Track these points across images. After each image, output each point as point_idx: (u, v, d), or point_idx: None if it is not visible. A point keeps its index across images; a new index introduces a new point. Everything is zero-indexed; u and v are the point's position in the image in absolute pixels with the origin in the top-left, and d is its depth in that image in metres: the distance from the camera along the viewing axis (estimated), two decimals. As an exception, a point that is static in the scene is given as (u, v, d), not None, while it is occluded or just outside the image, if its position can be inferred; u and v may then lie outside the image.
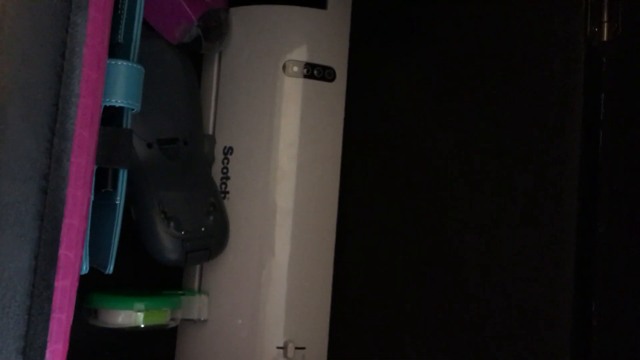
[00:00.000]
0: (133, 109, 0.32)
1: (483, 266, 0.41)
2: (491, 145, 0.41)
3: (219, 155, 0.47)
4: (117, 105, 0.31)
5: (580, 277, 0.35)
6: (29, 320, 0.15)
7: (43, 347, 0.16)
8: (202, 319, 0.46)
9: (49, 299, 0.16)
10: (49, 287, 0.16)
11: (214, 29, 0.46)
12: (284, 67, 0.46)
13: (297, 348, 0.45)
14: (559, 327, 0.36)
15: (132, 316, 0.40)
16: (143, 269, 0.47)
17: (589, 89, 0.33)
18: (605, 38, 0.33)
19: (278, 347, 0.45)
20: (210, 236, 0.44)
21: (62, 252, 0.21)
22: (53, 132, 0.16)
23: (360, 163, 0.49)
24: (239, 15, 0.48)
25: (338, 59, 0.48)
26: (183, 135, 0.45)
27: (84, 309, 0.42)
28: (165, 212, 0.42)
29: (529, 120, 0.38)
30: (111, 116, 0.32)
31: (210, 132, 0.48)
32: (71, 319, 0.24)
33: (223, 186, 0.47)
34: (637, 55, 0.34)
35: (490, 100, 0.40)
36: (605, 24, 0.32)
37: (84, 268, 0.29)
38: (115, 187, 0.31)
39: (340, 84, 0.48)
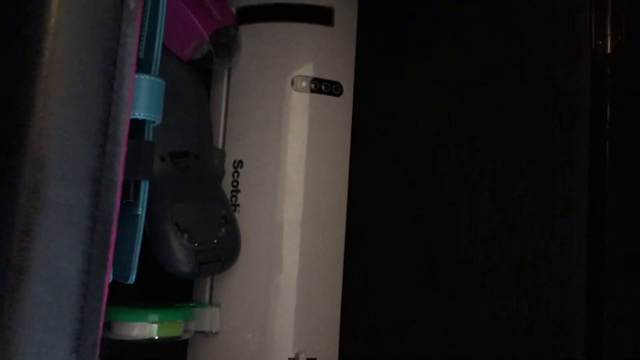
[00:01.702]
0: (154, 122, 0.33)
1: (494, 271, 0.41)
2: (500, 158, 0.42)
3: (229, 168, 0.48)
4: (140, 117, 0.31)
5: (592, 277, 0.36)
6: (82, 319, 0.16)
7: (94, 346, 0.16)
8: (214, 331, 0.46)
9: (101, 299, 0.17)
10: (101, 288, 0.17)
11: (223, 46, 0.47)
12: (292, 82, 0.47)
13: (308, 359, 0.46)
14: (572, 328, 0.36)
15: (147, 328, 0.41)
16: (151, 283, 0.48)
17: (594, 100, 0.35)
18: (609, 50, 0.34)
19: (290, 359, 0.46)
20: (223, 248, 0.44)
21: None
22: (106, 138, 0.17)
23: (367, 174, 0.50)
24: (247, 32, 0.49)
25: (345, 74, 0.49)
26: (194, 149, 0.46)
27: (97, 322, 0.43)
28: (179, 224, 0.43)
29: (537, 132, 0.39)
30: (132, 129, 0.33)
31: (220, 146, 0.49)
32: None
33: (233, 199, 0.48)
34: (639, 66, 0.35)
35: (499, 112, 0.41)
36: (609, 37, 0.34)
37: (132, 278, 0.30)
38: (137, 198, 0.32)
39: (347, 97, 0.49)
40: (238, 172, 0.48)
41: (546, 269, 0.37)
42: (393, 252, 0.48)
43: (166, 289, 0.48)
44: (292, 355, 0.46)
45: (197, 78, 0.47)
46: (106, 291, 0.17)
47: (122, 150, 0.17)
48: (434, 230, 0.45)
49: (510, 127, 0.41)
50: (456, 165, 0.45)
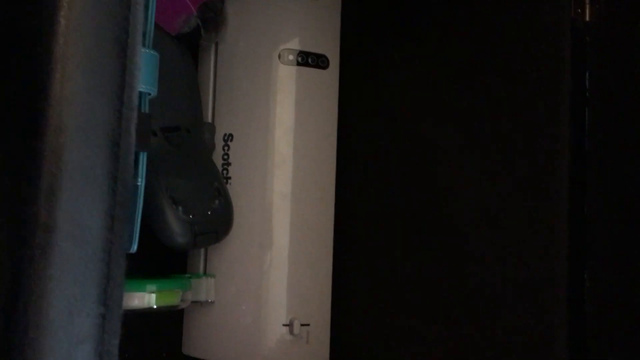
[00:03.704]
0: (150, 94, 0.34)
1: (483, 241, 0.43)
2: (486, 125, 0.43)
3: (219, 142, 0.49)
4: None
5: (574, 243, 0.38)
6: (108, 274, 0.17)
7: (120, 299, 0.18)
8: (210, 300, 0.48)
9: (124, 256, 0.18)
10: (124, 245, 0.18)
11: (210, 20, 0.48)
12: (279, 55, 0.48)
13: (301, 325, 0.47)
14: (555, 292, 0.38)
15: (146, 298, 0.42)
16: (146, 257, 0.48)
17: (575, 67, 0.36)
18: (587, 18, 0.35)
19: (284, 325, 0.47)
20: (217, 219, 0.45)
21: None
22: (122, 103, 0.18)
23: (355, 145, 0.51)
24: (234, 6, 0.49)
25: (330, 47, 0.50)
26: (185, 123, 0.46)
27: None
28: (173, 197, 0.43)
29: (519, 100, 0.40)
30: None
31: (210, 120, 0.50)
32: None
33: (225, 172, 0.49)
34: (616, 33, 0.37)
35: (483, 80, 0.43)
36: (587, 5, 0.35)
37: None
38: (136, 169, 0.33)
39: (333, 70, 0.50)
40: (228, 146, 0.49)
41: (530, 237, 0.39)
42: (383, 221, 0.49)
43: (160, 262, 0.49)
44: (286, 322, 0.47)
45: (185, 52, 0.48)
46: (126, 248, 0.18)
47: (135, 115, 0.18)
48: (423, 197, 0.47)
49: (494, 95, 0.42)
50: (442, 133, 0.46)
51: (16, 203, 0.16)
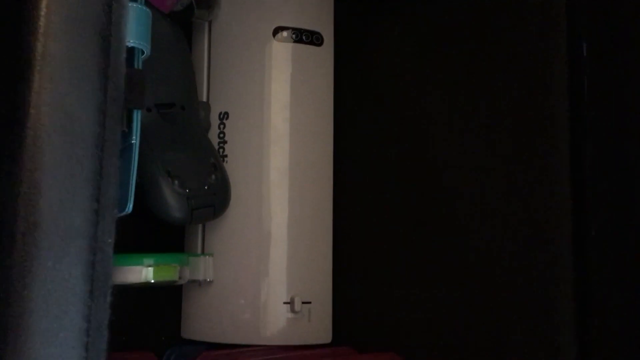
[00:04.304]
0: (143, 52, 0.33)
1: (477, 210, 0.42)
2: (479, 100, 0.43)
3: (215, 120, 0.49)
4: (129, 45, 0.32)
5: (576, 210, 0.37)
6: (100, 172, 0.16)
7: (114, 198, 0.17)
8: (208, 279, 0.47)
9: (116, 156, 0.17)
10: (116, 145, 0.17)
11: (204, -2, 0.48)
12: (273, 33, 0.48)
13: (303, 302, 0.46)
14: (558, 264, 0.38)
15: (143, 272, 0.41)
16: (143, 237, 0.47)
17: (570, 38, 0.36)
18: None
19: (285, 303, 0.46)
20: (214, 194, 0.44)
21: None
22: (108, 55, 0.17)
23: (352, 120, 0.51)
24: (227, -15, 0.49)
25: (324, 24, 0.50)
26: (180, 100, 0.46)
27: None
28: (169, 171, 0.43)
29: (516, 77, 0.40)
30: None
31: (205, 99, 0.49)
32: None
33: (221, 150, 0.48)
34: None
35: (477, 50, 0.42)
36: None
37: (129, 207, 0.30)
38: (130, 127, 0.32)
39: (328, 47, 0.50)
40: (224, 124, 0.48)
41: (530, 213, 0.38)
42: (382, 196, 0.48)
43: (157, 243, 0.49)
44: (287, 300, 0.46)
45: (178, 31, 0.48)
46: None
47: (126, 13, 0.18)
48: (420, 170, 0.46)
49: (489, 67, 0.42)
50: (437, 106, 0.46)
51: (3, 94, 0.16)
